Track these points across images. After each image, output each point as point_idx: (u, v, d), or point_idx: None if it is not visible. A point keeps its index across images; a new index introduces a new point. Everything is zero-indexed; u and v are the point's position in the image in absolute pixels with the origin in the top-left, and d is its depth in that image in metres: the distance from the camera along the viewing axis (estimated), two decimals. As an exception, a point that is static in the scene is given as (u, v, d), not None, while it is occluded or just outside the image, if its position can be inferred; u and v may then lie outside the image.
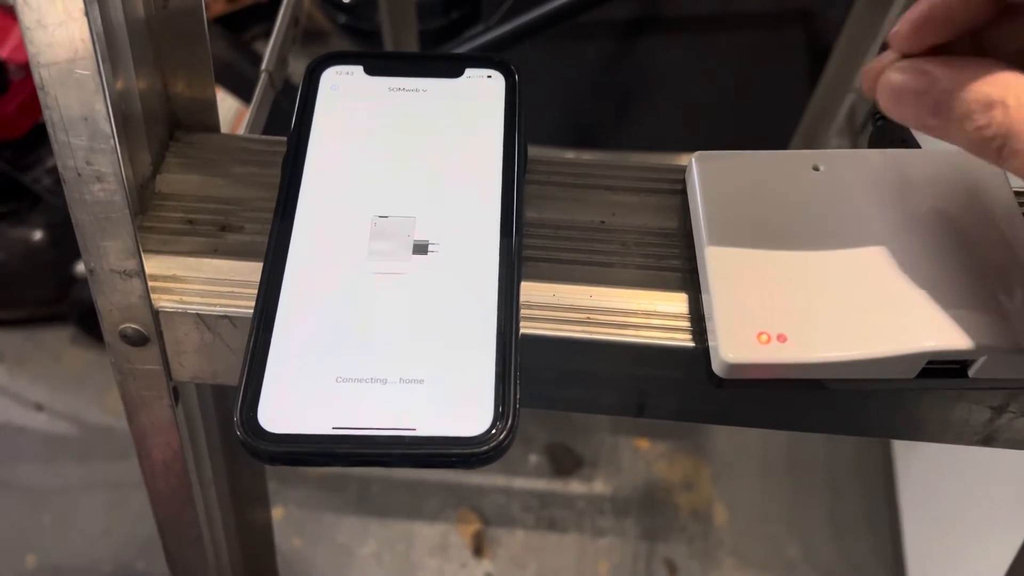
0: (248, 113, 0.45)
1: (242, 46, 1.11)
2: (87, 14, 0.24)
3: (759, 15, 1.00)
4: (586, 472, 0.97)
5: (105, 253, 0.29)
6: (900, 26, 0.25)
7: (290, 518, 0.93)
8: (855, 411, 0.31)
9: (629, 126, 1.07)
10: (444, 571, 0.91)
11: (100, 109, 0.25)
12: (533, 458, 0.98)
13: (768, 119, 1.01)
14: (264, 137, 0.35)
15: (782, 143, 0.93)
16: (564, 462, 0.98)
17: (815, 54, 0.98)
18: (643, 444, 0.99)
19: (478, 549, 0.92)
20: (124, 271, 0.29)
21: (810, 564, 0.92)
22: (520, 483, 0.96)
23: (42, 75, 0.25)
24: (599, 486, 0.96)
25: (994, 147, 0.23)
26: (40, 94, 0.25)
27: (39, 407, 1.00)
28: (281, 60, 0.48)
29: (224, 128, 0.35)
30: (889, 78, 0.25)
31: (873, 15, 0.76)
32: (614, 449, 0.99)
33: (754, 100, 1.02)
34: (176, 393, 0.34)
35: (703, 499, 0.96)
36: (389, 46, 0.83)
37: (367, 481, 0.95)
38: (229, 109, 1.03)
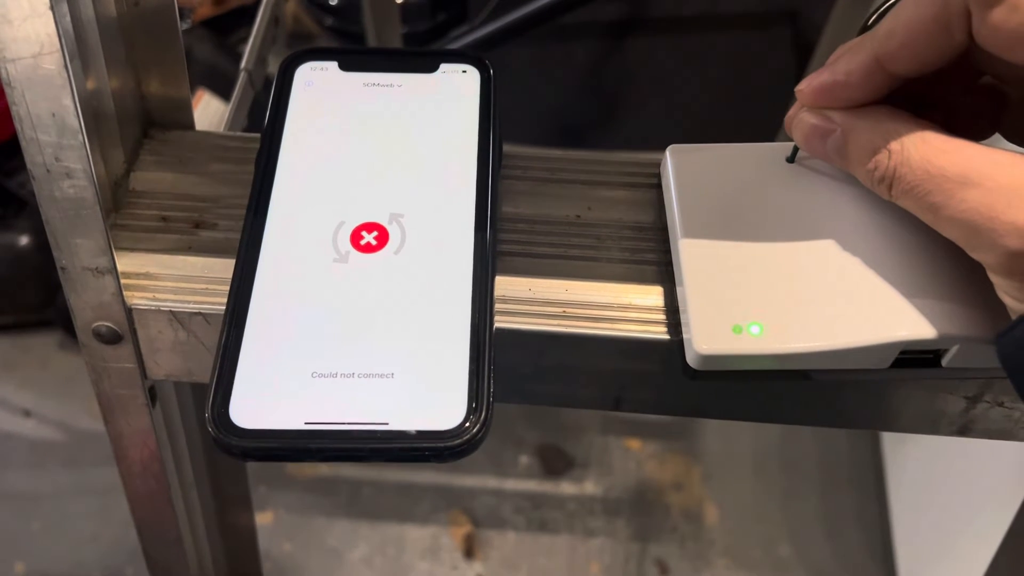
0: (227, 112, 0.45)
1: (228, 49, 1.11)
2: (52, 9, 0.24)
3: (745, 15, 1.01)
4: (577, 473, 0.97)
5: (76, 250, 0.28)
6: (805, 86, 0.27)
7: (281, 522, 0.93)
8: (831, 402, 0.31)
9: (617, 126, 1.07)
10: (435, 574, 0.90)
11: (68, 104, 0.25)
12: (524, 459, 0.97)
13: (755, 117, 1.01)
14: (239, 134, 0.35)
15: (769, 140, 0.93)
16: (555, 463, 0.98)
17: (800, 53, 0.99)
18: (634, 444, 0.99)
19: (469, 551, 0.92)
20: (96, 268, 0.29)
21: (802, 563, 0.92)
22: (511, 484, 0.96)
23: (8, 70, 0.25)
24: (590, 487, 0.96)
25: (884, 187, 0.26)
26: (7, 90, 0.25)
27: (27, 413, 1.00)
28: (261, 59, 0.48)
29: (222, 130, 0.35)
30: (800, 120, 0.28)
31: (854, 13, 0.76)
32: (605, 449, 0.99)
33: (741, 99, 1.02)
34: (153, 393, 0.34)
35: (694, 499, 0.96)
36: (373, 47, 0.83)
37: (357, 484, 0.95)
38: (215, 112, 1.02)
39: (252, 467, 0.97)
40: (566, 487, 0.96)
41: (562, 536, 0.93)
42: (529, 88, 1.06)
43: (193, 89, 1.03)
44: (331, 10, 1.14)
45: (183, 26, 1.13)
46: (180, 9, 1.17)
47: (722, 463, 0.98)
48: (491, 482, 0.96)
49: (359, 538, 0.92)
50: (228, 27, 1.14)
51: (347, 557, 0.91)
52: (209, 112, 1.04)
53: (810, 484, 0.97)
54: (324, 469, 0.97)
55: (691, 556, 0.92)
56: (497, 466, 0.97)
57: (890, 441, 0.95)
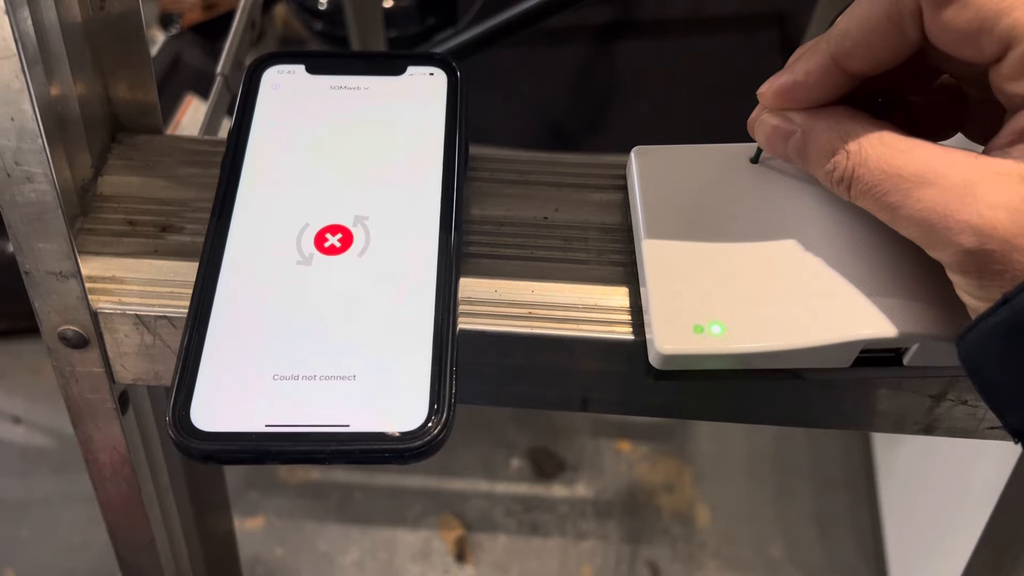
0: (203, 116, 0.45)
1: (217, 54, 1.11)
2: (9, 14, 0.24)
3: (732, 18, 1.01)
4: (568, 475, 0.97)
5: (40, 254, 0.28)
6: (766, 88, 0.28)
7: (271, 527, 0.93)
8: (795, 402, 0.31)
9: (605, 129, 1.07)
10: (426, 577, 0.90)
11: (27, 109, 0.25)
12: (515, 462, 0.97)
13: (741, 119, 1.01)
14: (207, 138, 0.35)
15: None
16: (546, 466, 0.97)
17: (786, 55, 0.99)
18: (625, 446, 0.99)
19: (461, 555, 0.92)
20: (60, 272, 0.29)
21: (793, 564, 0.92)
22: (502, 487, 0.96)
23: (-35, 75, 0.25)
24: (581, 489, 0.96)
25: (843, 187, 0.26)
26: (-35, 95, 0.25)
27: (17, 420, 1.00)
28: (237, 63, 0.48)
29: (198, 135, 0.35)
30: (762, 121, 0.28)
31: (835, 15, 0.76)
32: (596, 452, 0.99)
33: (728, 101, 1.02)
34: (124, 399, 0.34)
35: (685, 501, 0.96)
36: (358, 51, 0.83)
37: (349, 488, 0.95)
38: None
39: (243, 472, 0.97)
40: (557, 490, 0.96)
41: (553, 539, 0.93)
42: (517, 91, 1.06)
43: (182, 94, 1.03)
44: (320, 15, 1.15)
45: (172, 31, 1.13)
46: (169, 14, 1.17)
47: (713, 464, 0.98)
48: (482, 485, 0.96)
49: (350, 542, 0.92)
50: (217, 32, 1.14)
51: (338, 561, 0.91)
52: (198, 117, 1.04)
53: (802, 485, 0.97)
54: (315, 473, 0.97)
55: (683, 558, 0.92)
56: (488, 469, 0.97)
57: (881, 442, 0.95)
